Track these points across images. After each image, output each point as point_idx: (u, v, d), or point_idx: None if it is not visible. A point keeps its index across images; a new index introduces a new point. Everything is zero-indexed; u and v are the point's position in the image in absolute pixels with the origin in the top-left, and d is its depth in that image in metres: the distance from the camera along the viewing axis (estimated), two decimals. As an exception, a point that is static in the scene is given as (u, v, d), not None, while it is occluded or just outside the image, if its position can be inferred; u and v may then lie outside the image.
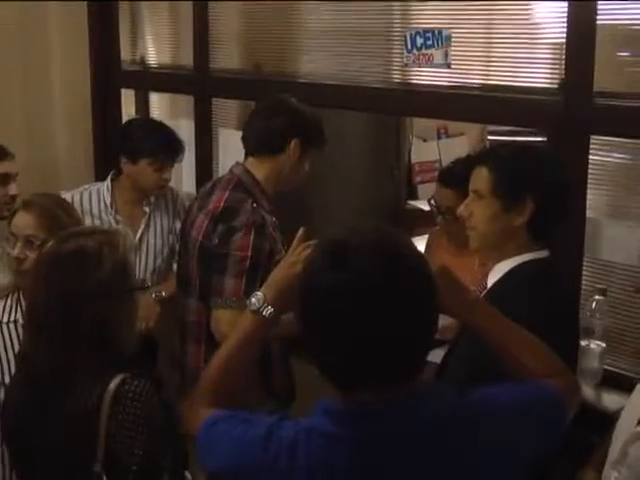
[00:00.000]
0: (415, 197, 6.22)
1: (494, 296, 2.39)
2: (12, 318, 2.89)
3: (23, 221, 2.91)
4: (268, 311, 2.05)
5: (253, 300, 2.06)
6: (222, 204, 3.14)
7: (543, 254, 2.52)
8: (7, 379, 2.78)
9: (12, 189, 3.70)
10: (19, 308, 2.90)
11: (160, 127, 4.02)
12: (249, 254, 3.04)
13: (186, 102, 4.56)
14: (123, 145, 3.99)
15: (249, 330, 2.08)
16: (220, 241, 3.08)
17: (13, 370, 2.76)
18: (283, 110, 3.25)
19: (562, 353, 2.01)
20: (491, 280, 2.54)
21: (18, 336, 2.84)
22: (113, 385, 2.21)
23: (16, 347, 2.82)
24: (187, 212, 3.47)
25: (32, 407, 2.35)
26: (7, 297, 2.94)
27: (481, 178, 2.54)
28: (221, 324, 3.07)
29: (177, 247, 3.94)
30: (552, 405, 1.88)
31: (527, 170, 2.48)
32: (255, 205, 3.13)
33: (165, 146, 3.90)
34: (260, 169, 3.22)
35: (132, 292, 2.40)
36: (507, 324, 1.99)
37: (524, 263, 2.49)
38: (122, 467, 2.19)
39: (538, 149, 2.70)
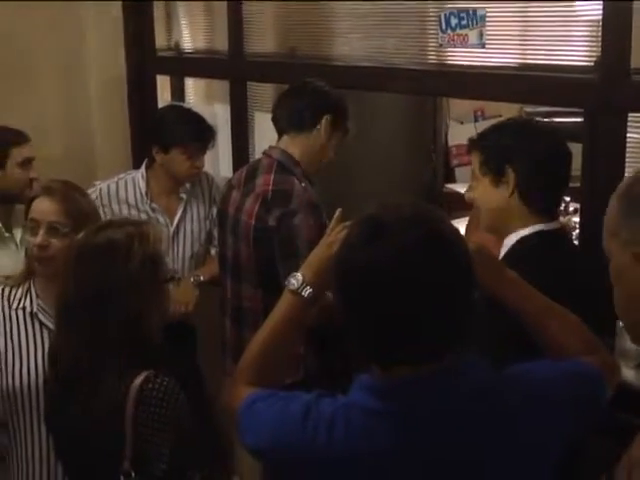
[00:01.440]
0: (452, 180, 6.19)
1: None
2: (21, 305, 2.91)
3: (46, 207, 2.87)
4: (307, 291, 2.06)
5: (292, 281, 2.07)
6: (271, 187, 3.17)
7: (551, 226, 2.54)
8: (9, 360, 2.84)
9: (32, 172, 3.72)
10: (29, 296, 2.91)
11: (190, 115, 4.03)
12: (314, 236, 3.04)
13: (221, 86, 4.57)
14: (154, 135, 4.01)
15: (288, 311, 2.09)
16: (281, 226, 3.10)
17: (17, 353, 2.84)
18: (312, 90, 3.31)
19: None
20: (500, 255, 2.55)
21: (25, 322, 2.88)
22: (137, 383, 2.21)
23: (22, 332, 2.88)
24: (224, 200, 3.47)
25: (62, 403, 2.38)
26: (19, 285, 2.96)
27: (474, 161, 2.60)
28: None
29: (215, 233, 3.97)
30: (591, 381, 1.87)
31: (501, 143, 2.54)
32: (303, 184, 3.16)
33: (196, 134, 3.91)
34: (295, 148, 3.26)
35: (162, 284, 2.39)
36: (543, 301, 1.98)
37: (529, 235, 2.51)
38: (150, 466, 2.20)
39: (519, 122, 2.80)
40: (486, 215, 2.61)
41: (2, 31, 4.45)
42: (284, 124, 3.32)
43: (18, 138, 3.73)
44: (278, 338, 2.09)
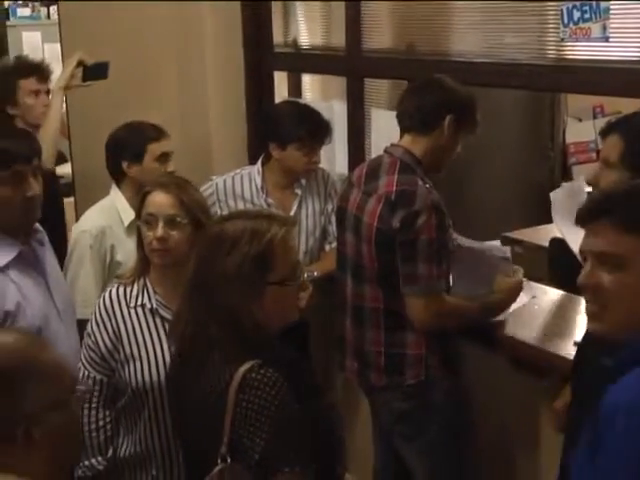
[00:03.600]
0: (570, 178, 6.09)
1: None
2: (139, 302, 2.94)
3: (163, 201, 2.91)
4: None
5: None
6: (395, 187, 3.14)
7: None
8: (136, 357, 2.90)
9: (169, 167, 3.82)
10: (146, 293, 2.95)
11: (307, 111, 4.04)
12: (435, 236, 3.07)
13: (338, 83, 4.57)
14: (271, 131, 4.03)
15: None
16: (404, 227, 3.08)
17: (143, 351, 2.89)
18: (437, 87, 3.26)
19: None
20: None
21: (146, 319, 2.93)
22: (241, 371, 2.22)
23: (144, 329, 2.92)
24: (343, 197, 3.46)
25: (178, 381, 2.45)
26: (133, 283, 2.99)
27: (612, 146, 2.46)
28: (420, 311, 3.13)
29: (331, 230, 3.98)
30: None
31: None
32: (427, 185, 3.14)
33: (312, 130, 3.92)
34: (417, 148, 3.22)
35: (271, 285, 2.35)
36: None
37: None
38: (245, 454, 2.21)
39: None
40: None
41: (120, 29, 4.53)
42: (407, 123, 3.28)
43: (156, 134, 3.83)
44: None
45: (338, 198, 3.64)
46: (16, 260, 2.99)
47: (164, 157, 3.82)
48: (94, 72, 4.19)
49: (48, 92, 4.58)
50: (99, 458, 2.98)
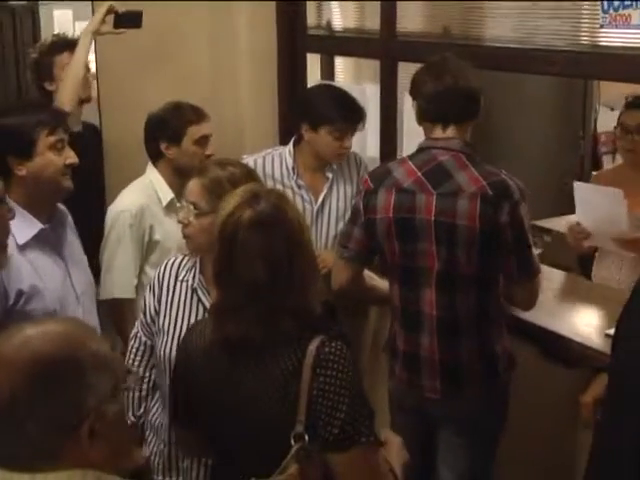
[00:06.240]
0: (600, 167, 6.06)
1: None
2: (185, 277, 2.96)
3: (192, 187, 2.92)
4: None
5: None
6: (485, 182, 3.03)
7: None
8: (165, 330, 2.92)
9: (209, 149, 3.85)
10: (194, 269, 2.95)
11: (341, 95, 4.02)
12: None
13: (371, 66, 4.54)
14: (304, 112, 4.02)
15: None
16: (514, 221, 3.00)
17: (172, 326, 2.92)
18: None
19: None
20: None
21: (185, 296, 2.95)
22: (313, 347, 2.21)
23: (180, 305, 2.94)
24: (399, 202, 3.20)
25: (230, 369, 2.34)
26: (192, 257, 3.00)
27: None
28: None
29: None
30: None
31: None
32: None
33: (346, 115, 3.89)
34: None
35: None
36: None
37: None
38: (324, 430, 2.20)
39: None
40: None
41: (152, 9, 4.51)
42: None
43: (196, 116, 3.86)
44: None
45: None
46: (35, 240, 2.99)
47: (203, 140, 3.85)
48: (127, 20, 4.12)
49: None
50: (129, 413, 3.02)
